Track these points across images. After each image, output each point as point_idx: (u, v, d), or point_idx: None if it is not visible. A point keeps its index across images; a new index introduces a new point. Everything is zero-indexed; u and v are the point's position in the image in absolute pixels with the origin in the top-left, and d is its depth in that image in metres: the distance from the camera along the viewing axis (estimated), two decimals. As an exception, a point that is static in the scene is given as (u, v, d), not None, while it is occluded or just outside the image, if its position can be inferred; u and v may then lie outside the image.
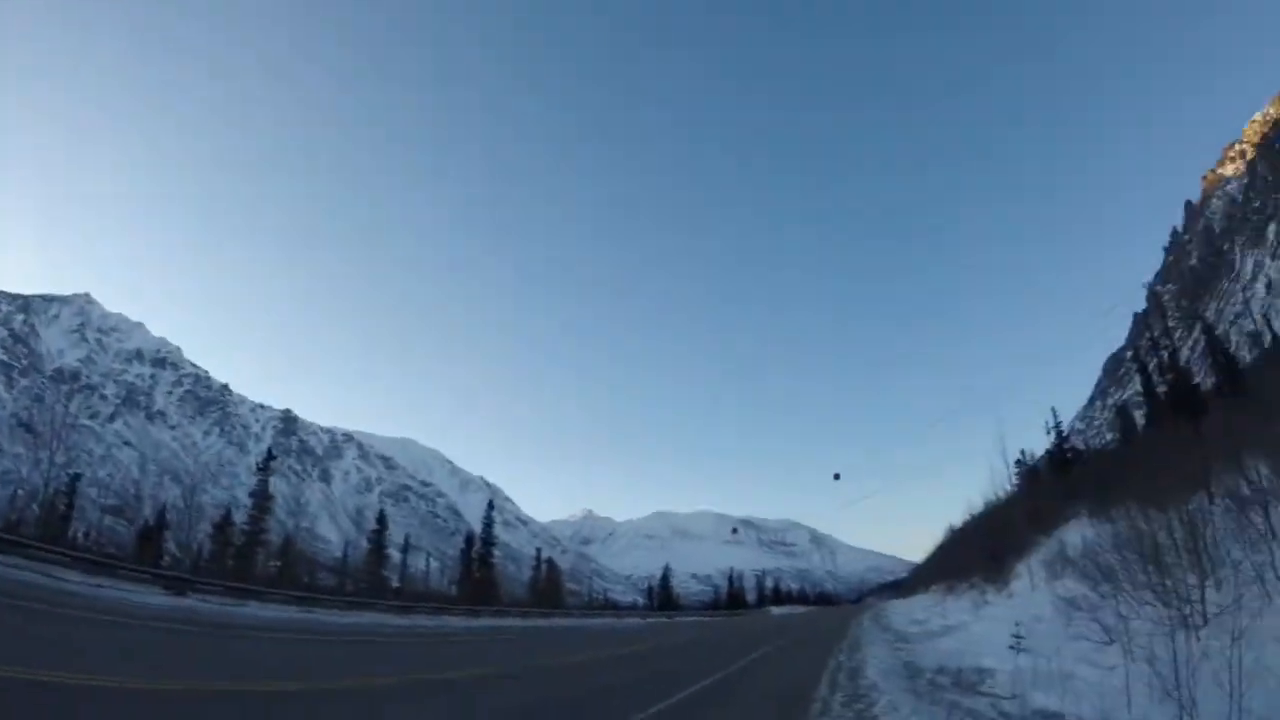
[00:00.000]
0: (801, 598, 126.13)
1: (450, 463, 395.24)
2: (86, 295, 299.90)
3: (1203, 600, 10.40)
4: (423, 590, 54.50)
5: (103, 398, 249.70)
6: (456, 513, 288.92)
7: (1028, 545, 25.52)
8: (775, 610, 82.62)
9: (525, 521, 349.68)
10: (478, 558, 52.74)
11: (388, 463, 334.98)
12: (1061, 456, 40.70)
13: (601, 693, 10.00)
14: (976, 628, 19.55)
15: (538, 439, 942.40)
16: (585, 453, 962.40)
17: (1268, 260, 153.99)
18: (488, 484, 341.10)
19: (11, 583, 13.29)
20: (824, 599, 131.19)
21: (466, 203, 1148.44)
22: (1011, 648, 12.14)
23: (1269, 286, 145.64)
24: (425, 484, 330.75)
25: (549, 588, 68.15)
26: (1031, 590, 21.12)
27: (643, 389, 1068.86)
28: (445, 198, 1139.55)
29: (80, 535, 46.74)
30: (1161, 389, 38.44)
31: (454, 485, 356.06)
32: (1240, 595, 9.49)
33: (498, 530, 56.60)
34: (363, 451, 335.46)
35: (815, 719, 8.26)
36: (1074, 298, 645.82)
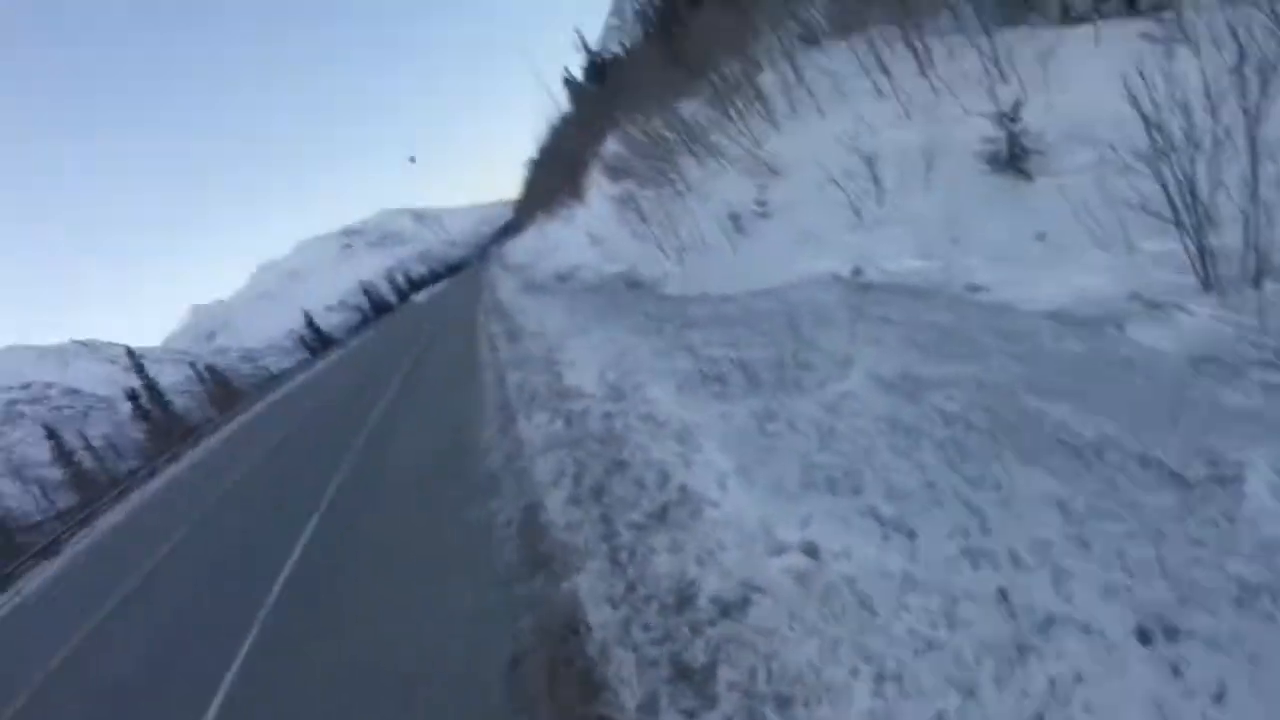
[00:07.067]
0: (434, 276, 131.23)
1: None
2: None
3: (683, 179, 13.90)
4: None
5: None
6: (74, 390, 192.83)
7: (589, 157, 30.60)
8: (416, 297, 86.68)
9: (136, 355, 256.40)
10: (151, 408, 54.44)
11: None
12: (597, 69, 44.27)
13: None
14: (567, 236, 24.99)
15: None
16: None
17: None
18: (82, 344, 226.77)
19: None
20: (452, 268, 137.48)
21: None
22: (591, 244, 17.15)
23: None
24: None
25: (225, 393, 67.17)
26: (599, 196, 26.62)
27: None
28: None
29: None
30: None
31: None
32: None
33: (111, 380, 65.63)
34: None
35: (481, 322, 15.43)
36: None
